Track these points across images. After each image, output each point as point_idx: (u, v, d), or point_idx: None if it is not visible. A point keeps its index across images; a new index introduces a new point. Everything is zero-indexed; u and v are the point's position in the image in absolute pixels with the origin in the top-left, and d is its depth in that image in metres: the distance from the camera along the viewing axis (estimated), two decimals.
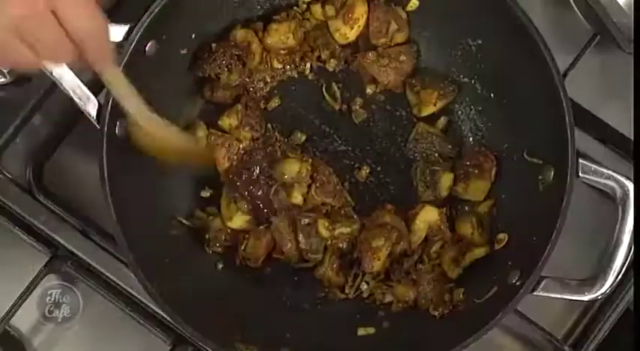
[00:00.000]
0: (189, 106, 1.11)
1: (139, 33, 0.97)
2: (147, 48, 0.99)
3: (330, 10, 1.11)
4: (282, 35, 1.10)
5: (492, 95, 1.10)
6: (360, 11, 1.10)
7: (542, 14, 1.16)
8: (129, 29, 0.97)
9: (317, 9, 1.12)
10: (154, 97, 1.04)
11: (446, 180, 1.11)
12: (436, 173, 1.11)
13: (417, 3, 1.11)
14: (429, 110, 1.13)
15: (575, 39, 1.15)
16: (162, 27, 1.00)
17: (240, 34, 1.09)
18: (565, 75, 1.11)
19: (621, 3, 1.10)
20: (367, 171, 1.12)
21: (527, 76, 1.02)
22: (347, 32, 1.11)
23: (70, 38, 0.80)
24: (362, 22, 1.11)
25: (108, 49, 0.87)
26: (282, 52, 1.12)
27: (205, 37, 1.08)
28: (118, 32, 0.97)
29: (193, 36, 1.07)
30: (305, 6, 1.12)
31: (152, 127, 0.96)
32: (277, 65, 1.13)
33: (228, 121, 1.10)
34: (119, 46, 0.96)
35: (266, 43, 1.11)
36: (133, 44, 0.97)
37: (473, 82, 1.12)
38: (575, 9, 1.18)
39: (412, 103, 1.14)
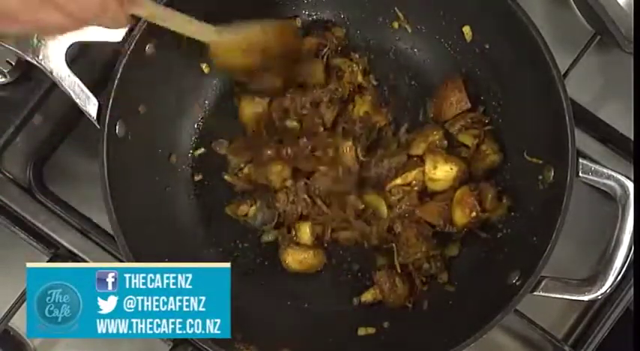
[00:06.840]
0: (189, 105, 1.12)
1: (139, 33, 0.97)
2: (147, 48, 0.99)
3: None
4: None
5: (492, 95, 1.10)
6: None
7: (542, 14, 1.16)
8: (129, 29, 0.97)
9: None
10: (153, 98, 1.04)
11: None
12: None
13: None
14: None
15: (575, 39, 1.15)
16: (162, 27, 0.99)
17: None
18: (565, 75, 1.11)
19: (621, 3, 1.10)
20: None
21: (528, 75, 1.02)
22: None
23: None
24: None
25: None
26: None
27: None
28: (117, 32, 0.97)
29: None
30: None
31: (226, 39, 0.99)
32: None
33: None
34: (119, 46, 0.96)
35: None
36: (133, 44, 0.97)
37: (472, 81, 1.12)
38: (575, 9, 1.18)
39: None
